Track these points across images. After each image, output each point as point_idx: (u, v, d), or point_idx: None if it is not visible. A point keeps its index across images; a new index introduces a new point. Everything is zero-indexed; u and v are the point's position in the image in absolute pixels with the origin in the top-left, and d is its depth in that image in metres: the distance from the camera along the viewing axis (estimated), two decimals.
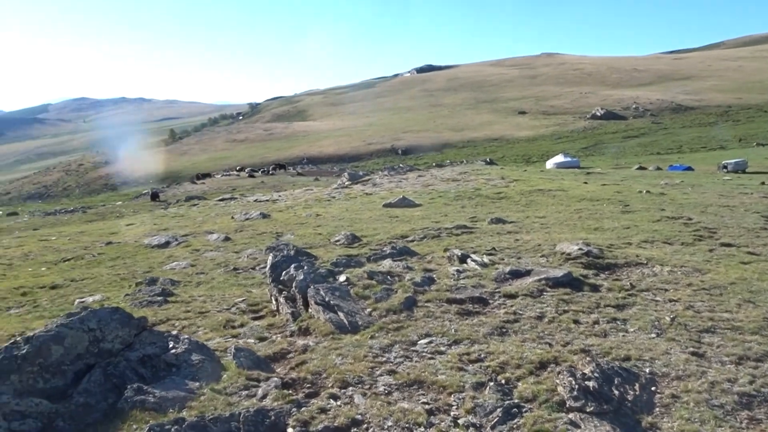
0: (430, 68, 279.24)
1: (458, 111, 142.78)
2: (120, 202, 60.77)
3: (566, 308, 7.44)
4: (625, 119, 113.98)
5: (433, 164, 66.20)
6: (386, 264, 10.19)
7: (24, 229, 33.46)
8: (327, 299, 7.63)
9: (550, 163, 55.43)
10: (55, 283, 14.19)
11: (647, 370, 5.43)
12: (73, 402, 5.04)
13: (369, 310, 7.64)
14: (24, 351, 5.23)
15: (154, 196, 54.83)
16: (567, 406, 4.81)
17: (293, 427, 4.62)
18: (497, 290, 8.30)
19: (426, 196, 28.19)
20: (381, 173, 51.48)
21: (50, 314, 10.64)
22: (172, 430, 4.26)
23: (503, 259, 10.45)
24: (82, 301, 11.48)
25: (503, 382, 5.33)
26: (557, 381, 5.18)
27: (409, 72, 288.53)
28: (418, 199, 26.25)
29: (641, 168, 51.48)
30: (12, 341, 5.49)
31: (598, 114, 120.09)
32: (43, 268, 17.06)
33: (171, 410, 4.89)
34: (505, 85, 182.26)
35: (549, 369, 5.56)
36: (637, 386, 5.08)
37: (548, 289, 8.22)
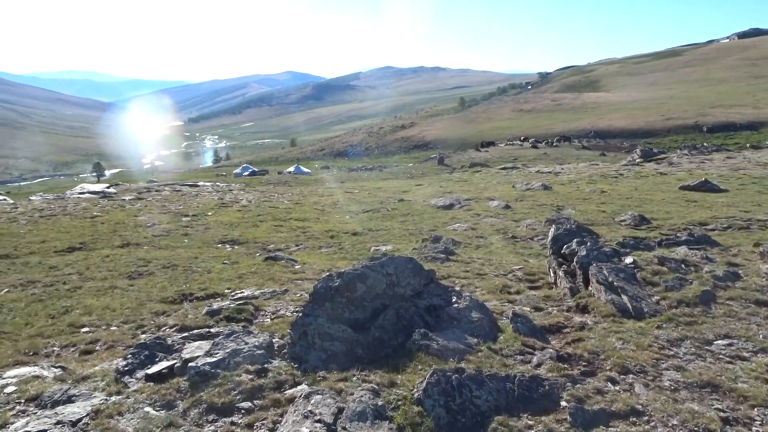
0: (756, 32, 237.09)
1: None
2: (411, 164, 66.07)
3: None
4: None
5: (747, 145, 57.17)
6: (680, 251, 9.23)
7: (333, 181, 38.74)
8: (610, 279, 7.27)
9: None
10: (356, 231, 16.24)
11: None
12: (370, 335, 5.76)
13: (657, 298, 7.06)
14: (336, 284, 6.13)
15: (441, 161, 58.25)
16: None
17: (567, 401, 4.57)
18: None
19: (734, 181, 24.67)
20: (679, 152, 46.96)
21: (351, 257, 12.24)
22: (453, 377, 4.58)
23: None
24: (377, 249, 12.92)
25: None
26: None
27: (727, 38, 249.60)
28: (724, 184, 23.16)
29: None
30: (328, 274, 6.46)
31: None
32: (347, 217, 19.62)
33: (451, 359, 5.25)
34: None
35: None
36: None
37: None
